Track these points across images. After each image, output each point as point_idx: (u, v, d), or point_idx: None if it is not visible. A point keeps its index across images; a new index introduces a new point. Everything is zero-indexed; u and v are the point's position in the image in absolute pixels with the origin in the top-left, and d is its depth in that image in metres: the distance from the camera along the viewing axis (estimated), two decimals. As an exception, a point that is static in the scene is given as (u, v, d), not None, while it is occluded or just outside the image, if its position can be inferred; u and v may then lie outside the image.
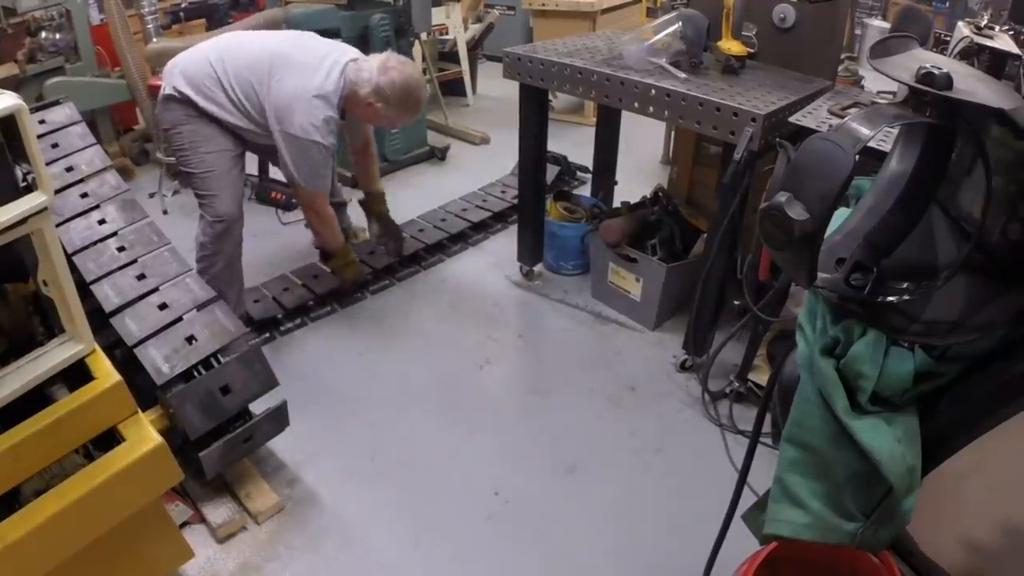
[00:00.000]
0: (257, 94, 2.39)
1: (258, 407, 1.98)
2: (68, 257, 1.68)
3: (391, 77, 2.39)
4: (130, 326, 1.79)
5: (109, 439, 1.48)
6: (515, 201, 3.62)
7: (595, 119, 3.52)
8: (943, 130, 0.94)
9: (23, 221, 1.19)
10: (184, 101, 2.42)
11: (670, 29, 2.37)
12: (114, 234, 1.93)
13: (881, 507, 0.99)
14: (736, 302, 2.56)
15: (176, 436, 1.77)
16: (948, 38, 1.94)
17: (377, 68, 2.40)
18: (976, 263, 0.95)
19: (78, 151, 2.04)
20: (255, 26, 3.43)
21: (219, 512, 1.99)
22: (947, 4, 6.42)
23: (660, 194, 3.00)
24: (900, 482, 0.94)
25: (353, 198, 3.33)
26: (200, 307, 1.89)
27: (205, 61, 2.42)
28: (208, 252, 2.51)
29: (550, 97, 3.57)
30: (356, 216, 3.35)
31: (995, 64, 1.42)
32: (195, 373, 1.81)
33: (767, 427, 1.37)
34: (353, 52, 2.52)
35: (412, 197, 3.95)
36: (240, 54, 2.44)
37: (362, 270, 3.00)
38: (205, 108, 2.42)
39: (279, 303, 2.86)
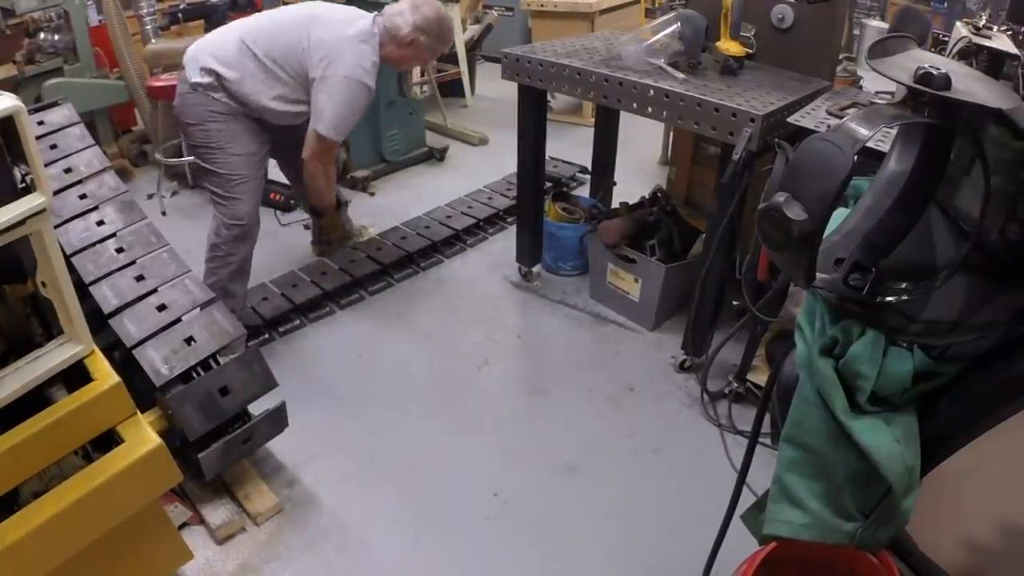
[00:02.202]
0: (296, 49, 2.39)
1: (257, 408, 1.98)
2: (67, 258, 1.68)
3: (425, 13, 2.50)
4: (129, 327, 1.79)
5: (108, 440, 1.47)
6: (497, 209, 3.69)
7: (593, 120, 3.53)
8: (941, 130, 0.94)
9: (22, 222, 1.19)
10: (212, 87, 2.39)
11: (669, 30, 2.37)
12: (113, 235, 1.93)
13: (880, 507, 0.99)
14: (735, 302, 2.56)
15: (175, 437, 1.77)
16: (946, 38, 1.94)
17: (408, 8, 2.51)
18: (975, 263, 0.95)
19: (77, 152, 2.04)
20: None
21: (218, 513, 1.99)
22: (945, 4, 6.43)
23: (659, 194, 3.00)
24: (899, 482, 0.94)
25: (353, 198, 3.33)
26: (199, 308, 1.89)
27: (234, 36, 2.42)
28: (221, 253, 2.49)
29: (549, 98, 3.58)
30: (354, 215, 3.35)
31: (993, 64, 1.42)
32: (194, 374, 1.81)
33: (766, 427, 1.37)
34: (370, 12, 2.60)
35: (410, 198, 3.96)
36: (272, 21, 2.49)
37: (347, 234, 3.18)
38: (232, 83, 2.38)
39: (258, 312, 2.85)
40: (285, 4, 4.19)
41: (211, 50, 2.41)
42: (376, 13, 2.54)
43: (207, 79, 2.39)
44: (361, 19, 2.50)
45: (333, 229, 3.06)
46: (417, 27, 2.50)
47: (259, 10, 4.53)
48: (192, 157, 2.95)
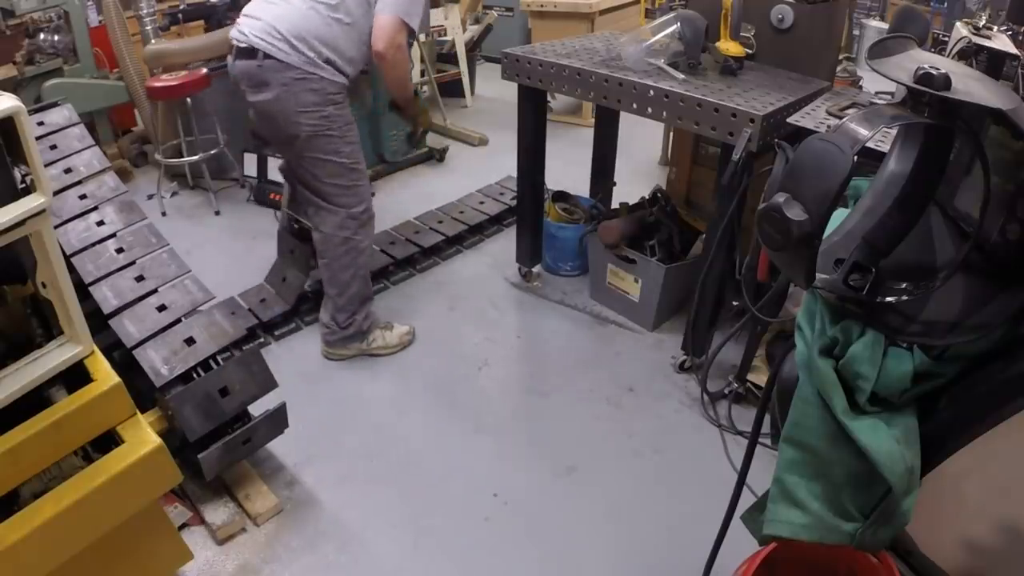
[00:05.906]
0: None
1: (257, 409, 1.98)
2: (67, 259, 1.68)
3: None
4: (129, 328, 1.79)
5: (108, 441, 1.47)
6: (489, 215, 3.67)
7: (593, 120, 3.53)
8: (941, 130, 0.94)
9: (22, 223, 1.19)
10: (315, 63, 2.23)
11: (668, 30, 2.37)
12: (113, 235, 1.93)
13: (880, 507, 0.99)
14: (735, 303, 2.56)
15: (175, 438, 1.77)
16: (946, 38, 1.94)
17: None
18: (975, 263, 0.95)
19: (76, 153, 2.04)
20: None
21: (218, 514, 1.99)
22: (945, 4, 6.44)
23: (659, 195, 3.00)
24: (899, 482, 0.94)
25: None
26: (199, 309, 1.89)
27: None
28: (355, 243, 2.48)
29: (548, 98, 3.57)
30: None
31: (993, 64, 1.42)
32: (194, 375, 1.80)
33: (766, 427, 1.37)
34: None
35: (411, 198, 3.96)
36: None
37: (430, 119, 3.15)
38: (329, 47, 2.25)
39: (255, 313, 2.85)
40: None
41: (300, 25, 2.22)
42: None
43: (311, 54, 2.23)
44: None
45: (422, 114, 2.91)
46: None
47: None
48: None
